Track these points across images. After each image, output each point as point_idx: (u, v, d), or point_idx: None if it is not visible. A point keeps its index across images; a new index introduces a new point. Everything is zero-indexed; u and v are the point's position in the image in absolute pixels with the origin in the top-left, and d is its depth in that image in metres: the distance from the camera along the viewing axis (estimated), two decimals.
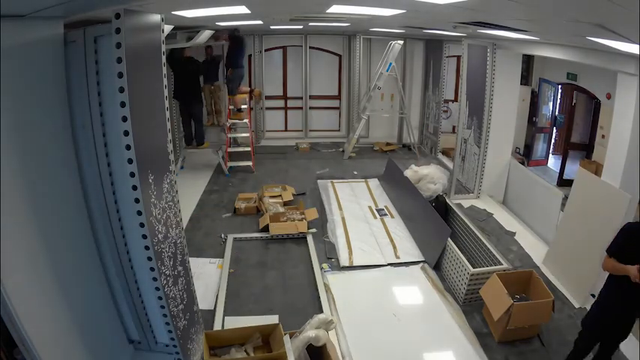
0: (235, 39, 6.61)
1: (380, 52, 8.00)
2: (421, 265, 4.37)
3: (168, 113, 2.42)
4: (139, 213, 2.12)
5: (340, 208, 5.68)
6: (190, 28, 5.75)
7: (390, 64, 7.44)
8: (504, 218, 5.48)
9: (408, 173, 5.88)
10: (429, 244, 4.59)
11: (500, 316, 3.25)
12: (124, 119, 1.96)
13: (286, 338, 2.76)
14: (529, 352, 3.26)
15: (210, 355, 2.80)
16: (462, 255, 3.97)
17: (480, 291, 3.60)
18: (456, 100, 8.60)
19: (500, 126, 5.77)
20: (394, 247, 4.71)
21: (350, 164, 7.67)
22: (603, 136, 6.53)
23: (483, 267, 4.16)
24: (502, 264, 3.92)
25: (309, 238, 4.85)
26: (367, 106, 8.01)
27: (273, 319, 3.39)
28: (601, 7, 1.66)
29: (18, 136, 1.86)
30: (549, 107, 8.06)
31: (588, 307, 3.64)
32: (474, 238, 4.55)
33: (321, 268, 4.28)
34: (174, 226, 2.50)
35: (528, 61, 7.62)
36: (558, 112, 8.05)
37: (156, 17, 2.23)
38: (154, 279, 2.27)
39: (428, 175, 5.64)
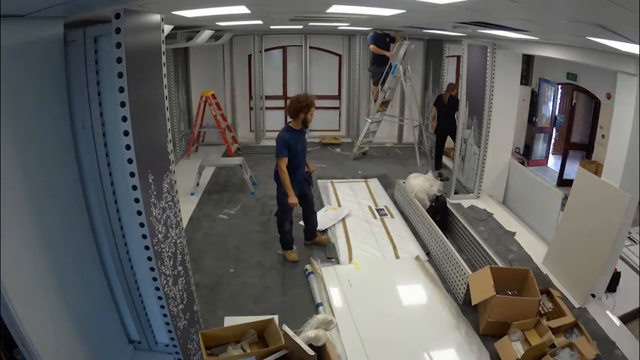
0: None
1: None
2: (421, 264, 4.37)
3: (168, 113, 2.42)
4: (139, 213, 2.12)
5: None
6: (190, 28, 5.77)
7: (395, 66, 7.12)
8: (504, 218, 5.47)
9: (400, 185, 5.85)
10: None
11: (478, 302, 3.30)
12: (124, 119, 1.96)
13: (287, 329, 2.76)
14: None
15: (208, 354, 2.80)
16: (461, 259, 3.97)
17: (469, 276, 3.64)
18: None
19: (500, 126, 5.76)
20: (394, 246, 4.71)
21: (352, 164, 7.68)
22: (603, 136, 6.54)
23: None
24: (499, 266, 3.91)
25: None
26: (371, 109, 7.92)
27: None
28: (601, 7, 1.66)
29: (17, 136, 1.86)
30: (549, 107, 8.07)
31: (588, 308, 3.65)
32: (473, 238, 4.55)
33: (305, 270, 4.25)
34: (174, 226, 2.50)
35: (528, 61, 7.62)
36: (558, 112, 8.06)
37: (156, 17, 2.23)
38: (154, 279, 2.27)
39: (419, 185, 5.60)
